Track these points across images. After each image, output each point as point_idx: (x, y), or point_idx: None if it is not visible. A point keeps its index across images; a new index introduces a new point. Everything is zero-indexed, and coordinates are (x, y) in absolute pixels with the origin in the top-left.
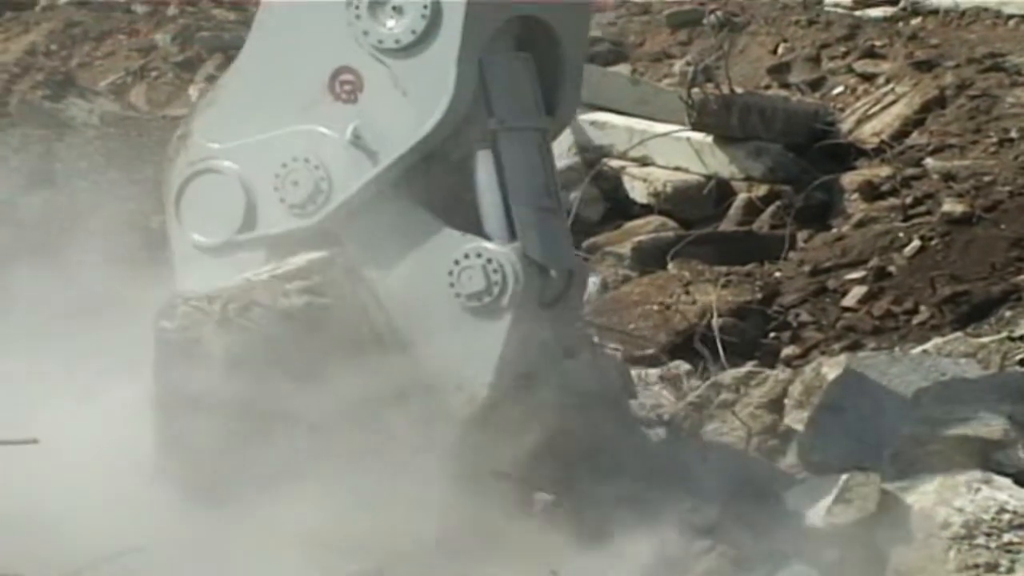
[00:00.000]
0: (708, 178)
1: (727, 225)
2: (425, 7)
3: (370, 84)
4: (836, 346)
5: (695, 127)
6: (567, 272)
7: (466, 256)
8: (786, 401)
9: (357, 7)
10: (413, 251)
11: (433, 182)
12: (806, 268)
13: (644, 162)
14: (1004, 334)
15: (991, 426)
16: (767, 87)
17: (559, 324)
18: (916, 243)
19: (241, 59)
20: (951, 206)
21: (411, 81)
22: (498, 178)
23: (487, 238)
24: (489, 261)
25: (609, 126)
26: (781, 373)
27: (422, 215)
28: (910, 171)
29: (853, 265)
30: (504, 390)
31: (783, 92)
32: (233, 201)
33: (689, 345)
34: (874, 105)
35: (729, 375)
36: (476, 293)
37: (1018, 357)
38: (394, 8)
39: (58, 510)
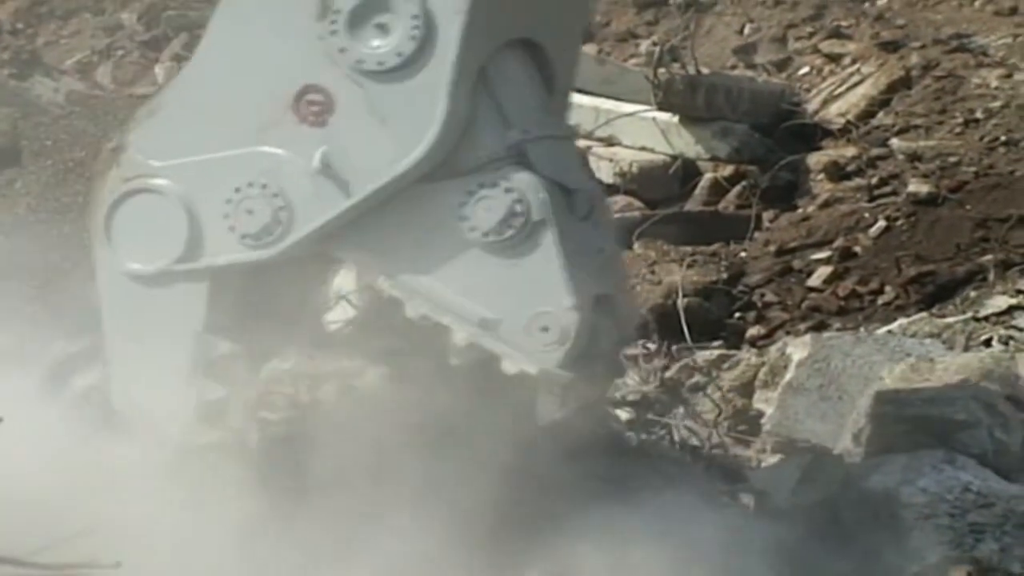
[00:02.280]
0: (674, 158)
1: (693, 205)
2: (415, 28)
3: (343, 107)
4: (801, 326)
5: (661, 107)
6: (588, 190)
7: (471, 192)
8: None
9: (334, 20)
10: (420, 223)
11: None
12: (772, 248)
13: (610, 142)
14: (969, 314)
15: (955, 407)
16: (733, 67)
17: (601, 236)
18: (881, 223)
19: (192, 66)
20: (917, 186)
21: (392, 108)
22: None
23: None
24: (496, 186)
25: (575, 106)
26: (753, 357)
27: (417, 189)
28: (876, 151)
29: (819, 245)
30: (590, 314)
31: (749, 72)
32: (173, 226)
33: (654, 325)
34: (840, 85)
35: (700, 357)
36: (501, 221)
37: (983, 338)
38: (378, 26)
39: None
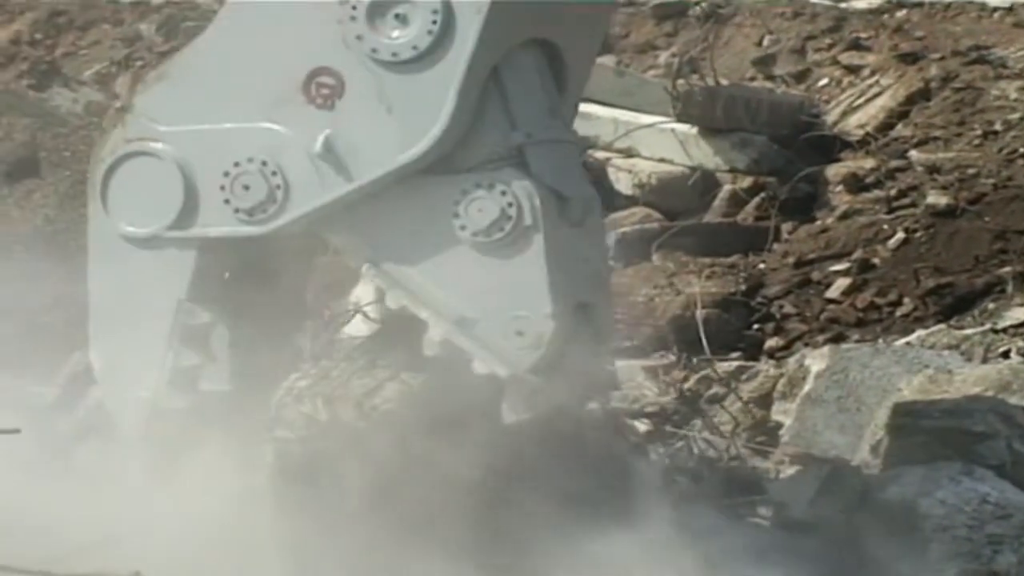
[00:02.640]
0: (693, 169)
1: (711, 217)
2: (433, 22)
3: (352, 92)
4: (820, 338)
5: (680, 118)
6: (584, 198)
7: (465, 192)
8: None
9: (354, 7)
10: (411, 215)
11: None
12: (790, 260)
13: (629, 153)
14: (987, 326)
15: (973, 418)
16: (752, 79)
17: (591, 246)
18: (900, 235)
19: (205, 36)
20: (935, 198)
21: (401, 100)
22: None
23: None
24: (492, 187)
25: (594, 117)
26: (772, 368)
27: (413, 180)
28: (895, 163)
29: (837, 257)
30: (568, 322)
31: (768, 84)
32: (170, 192)
33: (673, 337)
34: (859, 97)
35: (719, 369)
36: (493, 223)
37: (1001, 349)
38: (397, 16)
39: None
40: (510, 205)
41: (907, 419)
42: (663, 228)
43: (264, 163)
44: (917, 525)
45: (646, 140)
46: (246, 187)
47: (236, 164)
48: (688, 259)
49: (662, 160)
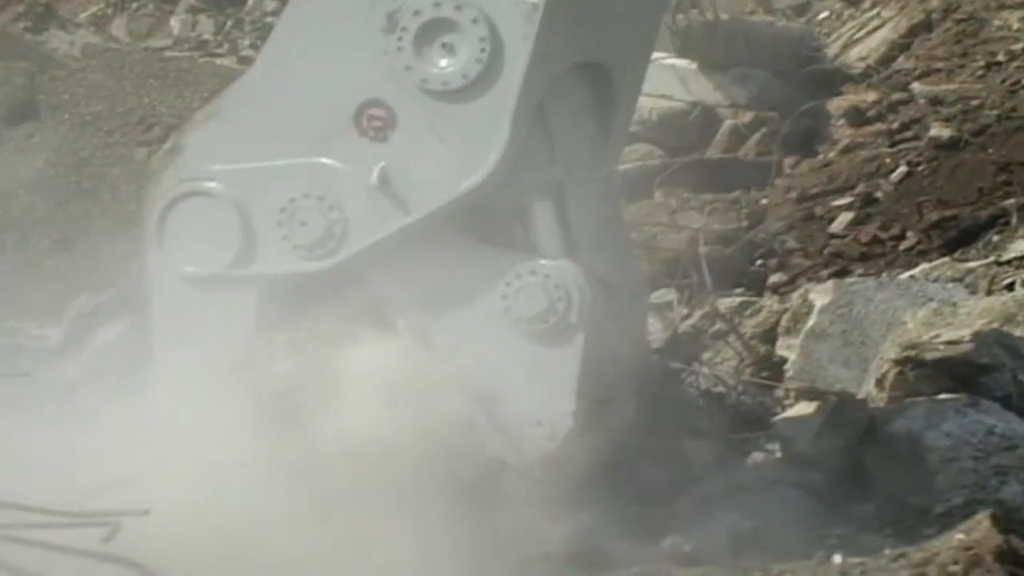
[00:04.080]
0: (693, 105)
1: (713, 152)
2: (482, 51)
3: (404, 124)
4: (823, 272)
5: (680, 54)
6: (631, 286)
7: (519, 276)
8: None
9: (400, 38)
10: (459, 281)
11: (477, 216)
12: (793, 195)
13: None
14: (991, 259)
15: (978, 350)
16: (752, 13)
17: (629, 342)
18: (903, 168)
19: (252, 72)
20: (938, 131)
21: (454, 130)
22: (559, 230)
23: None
24: (547, 277)
25: None
26: (775, 304)
27: (464, 241)
28: (897, 96)
29: (840, 191)
30: (584, 419)
31: (768, 18)
32: (227, 231)
33: (675, 273)
34: (860, 30)
35: (722, 305)
36: (538, 315)
37: (1005, 281)
38: (445, 46)
39: None
40: (559, 300)
41: (912, 352)
42: (664, 164)
43: (321, 198)
44: (923, 457)
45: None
46: (303, 223)
47: (292, 200)
48: (690, 195)
49: (662, 96)
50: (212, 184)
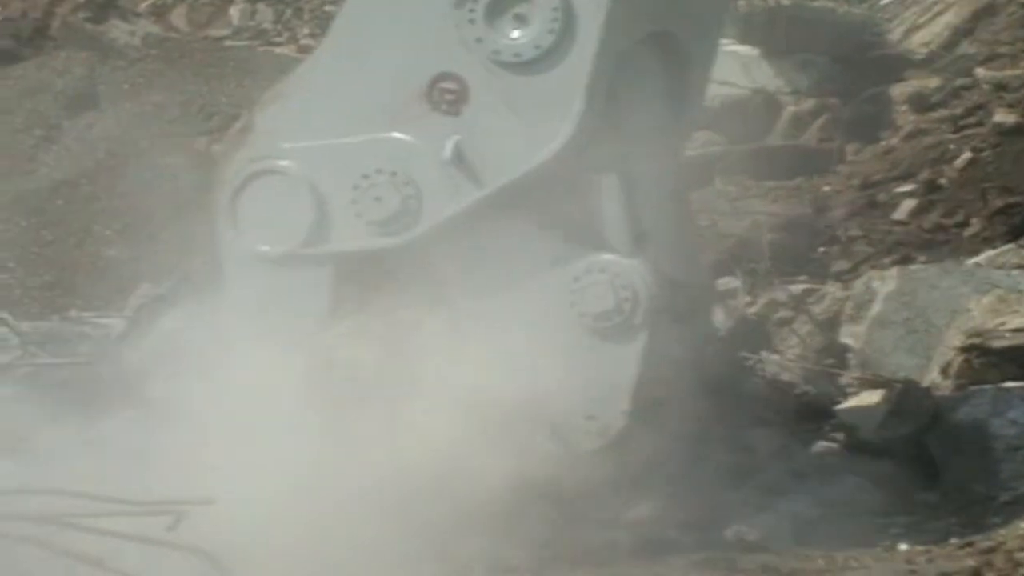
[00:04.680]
0: (755, 92)
1: (775, 139)
2: (555, 20)
3: (477, 97)
4: (887, 260)
5: (742, 40)
6: (699, 283)
7: (588, 271)
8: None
9: (472, 9)
10: (525, 271)
11: (545, 197)
12: (855, 182)
13: None
14: None
15: None
16: None
17: (689, 347)
18: (967, 155)
19: (322, 49)
20: (1002, 116)
21: (528, 101)
22: (625, 206)
23: (610, 251)
24: (616, 276)
25: None
26: (839, 291)
27: (532, 231)
28: (960, 81)
29: (903, 178)
30: (638, 420)
31: (830, 3)
32: (300, 209)
33: (738, 261)
34: (923, 14)
35: (785, 292)
36: (605, 313)
37: None
38: (517, 16)
39: None
40: (626, 300)
41: (977, 339)
42: (726, 151)
43: (394, 174)
44: (989, 446)
45: None
46: (377, 199)
47: (365, 177)
48: (751, 183)
49: (724, 83)
50: (284, 162)
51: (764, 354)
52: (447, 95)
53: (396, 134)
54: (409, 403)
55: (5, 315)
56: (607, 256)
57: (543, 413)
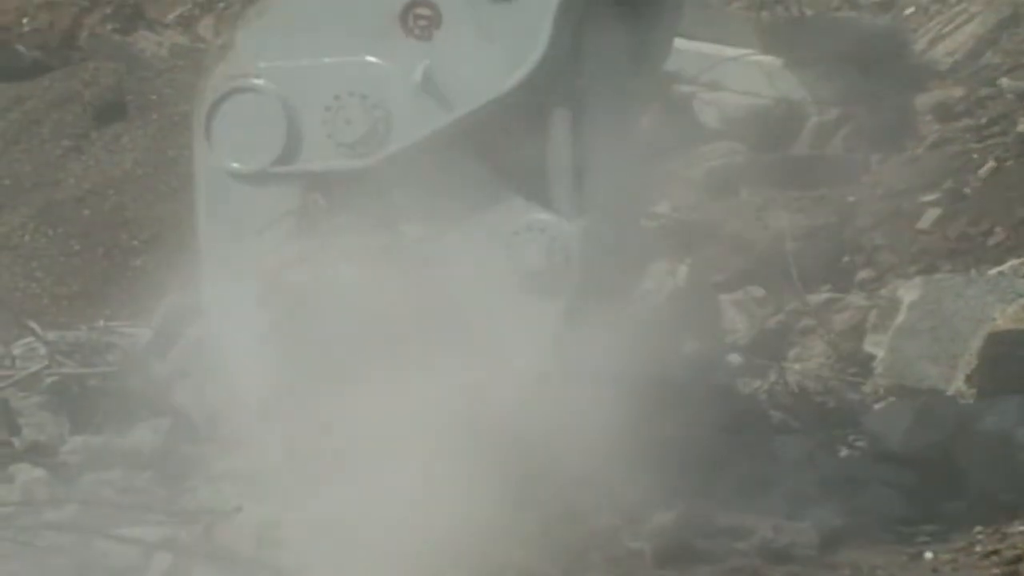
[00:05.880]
0: (778, 102)
1: (799, 149)
2: None
3: (449, 22)
4: (911, 269)
5: (765, 50)
6: (633, 256)
7: (528, 228)
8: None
9: None
10: (470, 213)
11: (502, 137)
12: (879, 191)
13: (715, 87)
14: None
15: None
16: (837, 8)
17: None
18: (991, 164)
19: None
20: None
21: (499, 27)
22: (574, 145)
23: (553, 211)
24: (554, 239)
25: (679, 51)
26: (863, 300)
27: (484, 172)
28: (984, 91)
29: (927, 187)
30: (559, 382)
31: (854, 13)
32: (273, 127)
33: (762, 270)
34: (947, 24)
35: (809, 301)
36: (535, 272)
37: None
38: None
39: None
40: (559, 264)
41: (1002, 348)
42: (750, 161)
43: (365, 96)
44: (1014, 455)
45: (731, 73)
46: (348, 121)
47: (337, 98)
48: (775, 192)
49: (747, 93)
50: (259, 80)
51: (787, 362)
52: (420, 20)
53: (369, 57)
54: (346, 333)
55: (32, 324)
56: (548, 216)
57: (475, 344)
